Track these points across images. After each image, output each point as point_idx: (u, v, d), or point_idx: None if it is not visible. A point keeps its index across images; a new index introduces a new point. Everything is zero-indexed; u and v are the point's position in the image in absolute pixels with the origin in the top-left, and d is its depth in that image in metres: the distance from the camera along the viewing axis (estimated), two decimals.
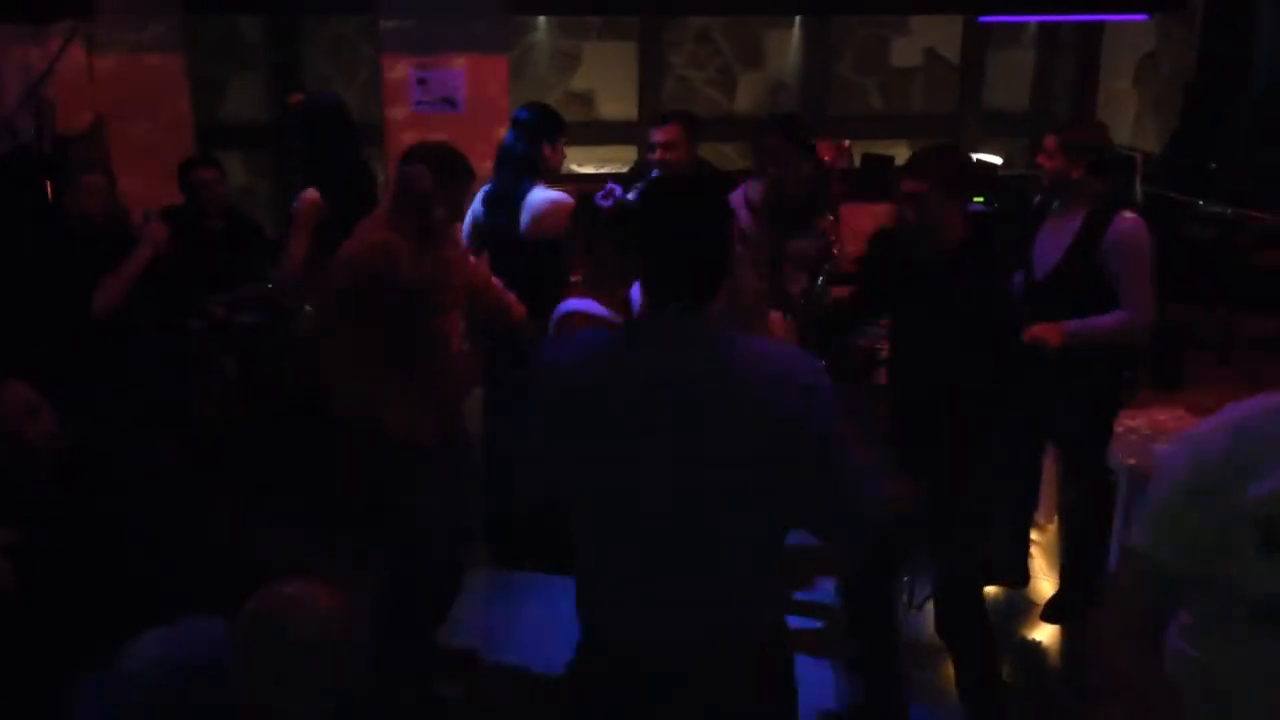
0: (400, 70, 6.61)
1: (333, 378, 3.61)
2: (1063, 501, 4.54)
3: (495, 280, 4.01)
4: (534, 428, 2.22)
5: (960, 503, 3.24)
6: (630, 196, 4.35)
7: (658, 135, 4.91)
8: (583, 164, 8.07)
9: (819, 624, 4.23)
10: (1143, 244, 3.79)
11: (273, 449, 4.28)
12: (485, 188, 4.65)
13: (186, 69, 6.70)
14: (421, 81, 6.51)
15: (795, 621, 4.08)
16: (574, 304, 3.52)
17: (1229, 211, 5.81)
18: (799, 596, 4.40)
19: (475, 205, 4.67)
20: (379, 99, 6.89)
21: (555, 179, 4.61)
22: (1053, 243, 3.91)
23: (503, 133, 6.80)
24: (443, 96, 6.53)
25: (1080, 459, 4.21)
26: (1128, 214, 3.83)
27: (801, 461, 2.09)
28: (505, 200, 4.48)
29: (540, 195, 4.42)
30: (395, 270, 3.38)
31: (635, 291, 3.61)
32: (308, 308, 4.42)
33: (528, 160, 4.48)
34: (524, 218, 4.41)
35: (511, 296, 3.99)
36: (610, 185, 3.77)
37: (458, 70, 6.56)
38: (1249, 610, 1.90)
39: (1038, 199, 4.12)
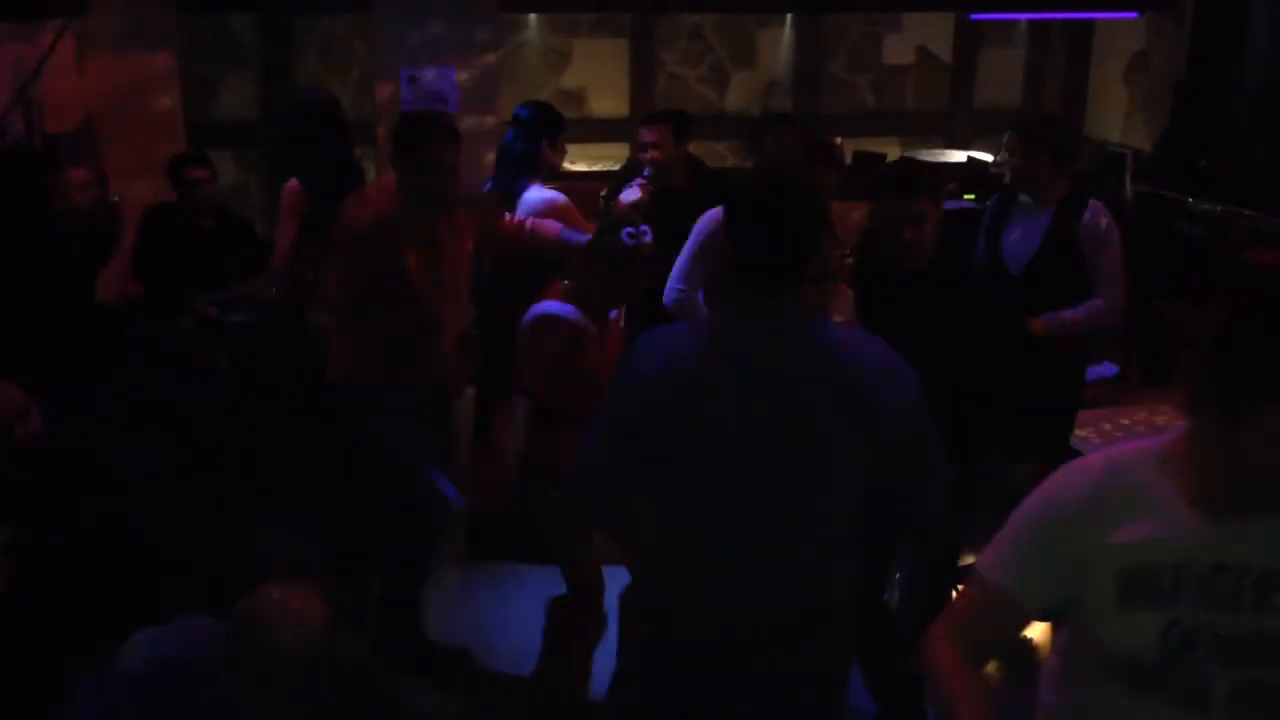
0: (391, 69, 6.60)
1: (334, 347, 3.70)
2: None
3: (529, 220, 4.09)
4: (627, 415, 2.28)
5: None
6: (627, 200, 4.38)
7: (647, 135, 4.93)
8: (574, 161, 8.06)
9: None
10: (1114, 233, 3.86)
11: (269, 449, 4.28)
12: (485, 186, 4.69)
13: (179, 67, 6.69)
14: (412, 80, 6.50)
15: None
16: (547, 306, 3.51)
17: (1219, 209, 5.83)
18: None
19: None
20: (371, 97, 6.88)
21: (554, 177, 4.62)
22: (1025, 237, 3.94)
23: (493, 129, 6.86)
24: (434, 95, 6.52)
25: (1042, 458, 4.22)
26: (1098, 205, 3.88)
27: (901, 445, 2.21)
28: (503, 198, 4.50)
29: (536, 194, 4.44)
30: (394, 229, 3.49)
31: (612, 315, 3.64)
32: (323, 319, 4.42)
33: (527, 158, 4.51)
34: (520, 216, 4.43)
35: (549, 227, 4.04)
36: (643, 226, 3.79)
37: (449, 68, 6.56)
38: (1103, 664, 1.80)
39: (996, 195, 4.15)
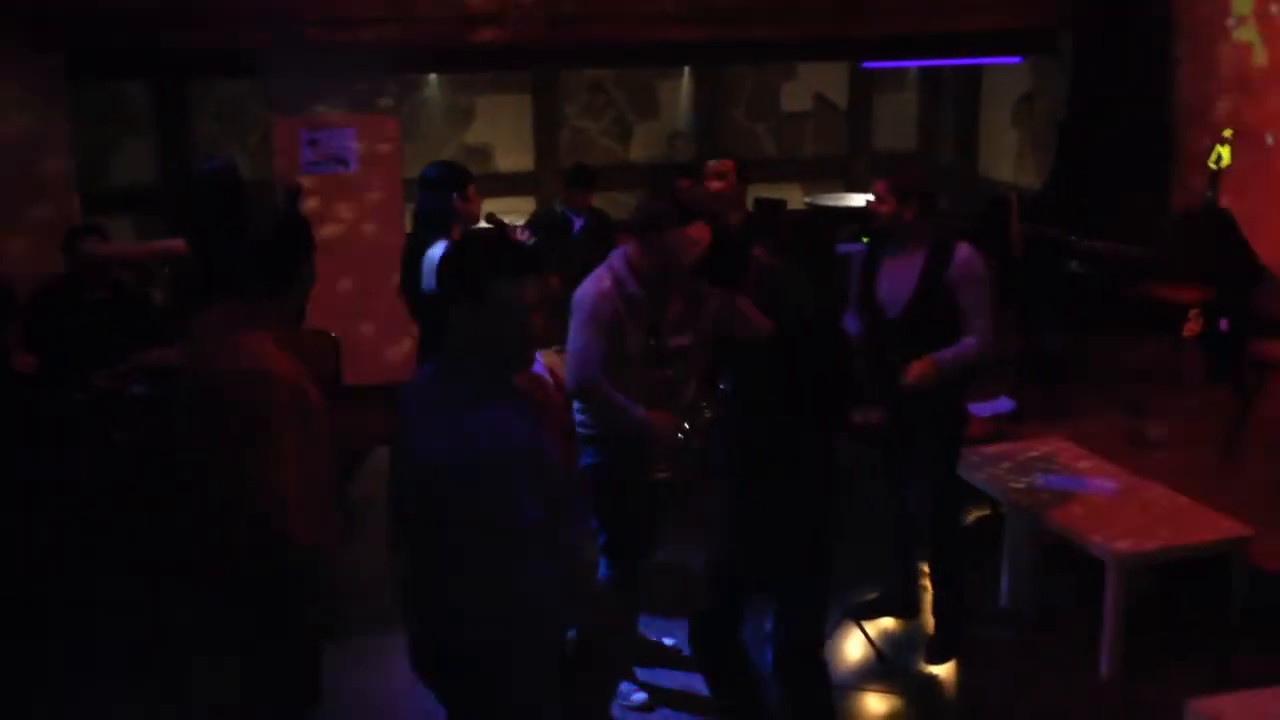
0: (290, 131, 6.60)
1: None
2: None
3: None
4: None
5: (802, 566, 3.31)
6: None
7: (713, 165, 5.05)
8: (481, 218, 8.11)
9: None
10: (982, 273, 3.97)
11: (164, 523, 4.19)
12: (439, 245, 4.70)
13: (70, 136, 6.60)
14: (312, 142, 6.50)
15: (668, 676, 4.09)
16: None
17: (1100, 245, 6.03)
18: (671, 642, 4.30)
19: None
20: (271, 160, 6.86)
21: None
22: (898, 282, 4.02)
23: (397, 189, 6.89)
24: (334, 156, 6.53)
25: (930, 493, 4.30)
26: (965, 246, 3.98)
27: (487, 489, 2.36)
28: (416, 259, 4.49)
29: (437, 250, 4.43)
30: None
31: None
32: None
33: (436, 217, 4.51)
34: (425, 275, 4.42)
35: None
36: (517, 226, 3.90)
37: (348, 129, 6.57)
38: None
39: (868, 243, 4.24)
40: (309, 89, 6.60)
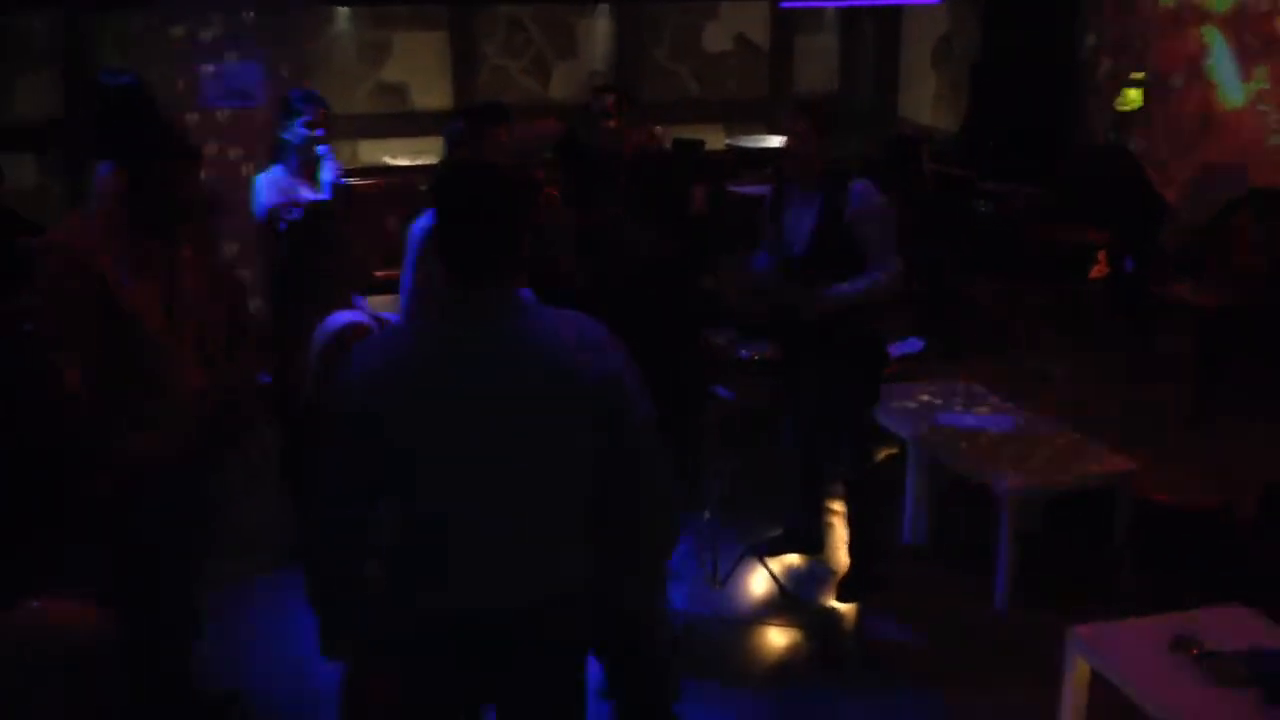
0: (194, 64, 6.41)
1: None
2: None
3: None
4: (352, 431, 2.18)
5: None
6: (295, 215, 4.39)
7: (602, 100, 4.98)
8: (396, 156, 7.99)
9: None
10: (881, 207, 3.98)
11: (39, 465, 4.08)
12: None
13: None
14: (216, 75, 6.33)
15: None
16: (345, 316, 3.44)
17: (1006, 187, 6.10)
18: None
19: None
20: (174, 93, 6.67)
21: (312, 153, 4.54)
22: (803, 219, 4.03)
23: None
24: (238, 90, 6.37)
25: (845, 433, 4.32)
26: (862, 182, 3.98)
27: (611, 417, 2.18)
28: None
29: (264, 177, 4.50)
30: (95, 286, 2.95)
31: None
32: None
33: (276, 146, 4.56)
34: (255, 201, 4.50)
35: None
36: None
37: (253, 63, 6.40)
38: None
39: (774, 183, 4.24)
40: (212, 20, 6.41)
